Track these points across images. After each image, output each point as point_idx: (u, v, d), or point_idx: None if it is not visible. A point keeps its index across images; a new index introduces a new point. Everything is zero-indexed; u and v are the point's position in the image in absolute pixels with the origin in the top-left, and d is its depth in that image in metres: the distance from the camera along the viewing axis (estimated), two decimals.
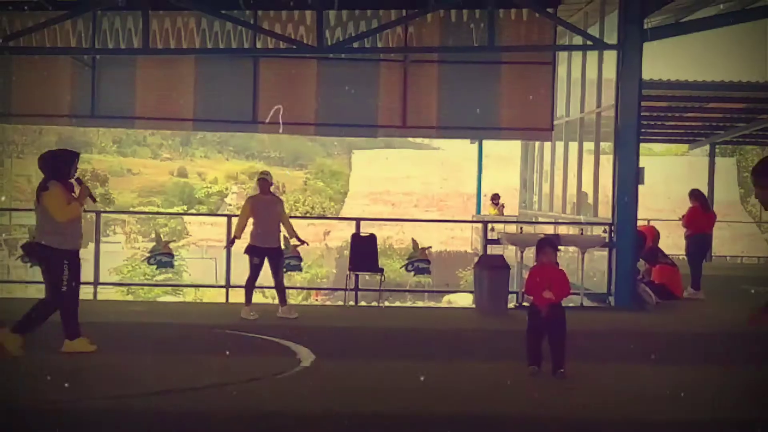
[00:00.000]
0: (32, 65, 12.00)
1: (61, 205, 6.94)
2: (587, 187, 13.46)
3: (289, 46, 11.37)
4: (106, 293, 13.38)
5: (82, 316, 9.37)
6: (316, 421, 5.49)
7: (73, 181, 7.19)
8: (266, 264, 9.48)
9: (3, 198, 37.48)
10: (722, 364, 7.39)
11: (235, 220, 10.10)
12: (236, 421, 5.41)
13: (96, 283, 11.72)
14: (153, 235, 13.15)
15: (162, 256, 11.55)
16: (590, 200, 13.34)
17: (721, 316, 10.32)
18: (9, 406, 5.56)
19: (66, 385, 6.16)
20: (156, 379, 6.36)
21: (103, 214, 12.49)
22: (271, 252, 9.50)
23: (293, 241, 10.19)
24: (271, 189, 9.87)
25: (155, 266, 11.84)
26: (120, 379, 6.36)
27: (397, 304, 17.54)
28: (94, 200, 7.52)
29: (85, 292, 13.17)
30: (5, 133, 38.99)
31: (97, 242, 12.20)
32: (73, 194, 7.10)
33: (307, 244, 10.26)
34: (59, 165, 7.12)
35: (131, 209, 35.67)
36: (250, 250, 9.45)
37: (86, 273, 12.56)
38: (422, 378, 6.58)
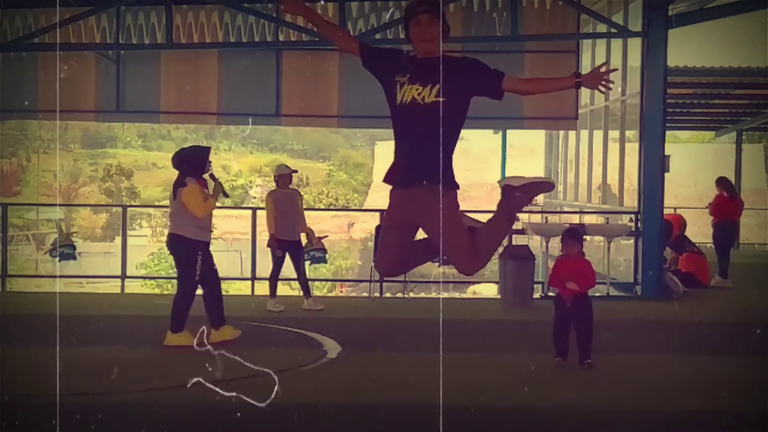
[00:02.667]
0: (57, 62, 12.10)
1: (199, 201, 7.16)
2: (612, 175, 13.37)
3: (312, 39, 11.37)
4: (132, 287, 13.49)
5: (108, 310, 9.48)
6: (342, 412, 5.51)
7: (206, 176, 7.40)
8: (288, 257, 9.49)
9: (30, 193, 37.89)
10: (751, 354, 7.33)
11: (261, 213, 10.13)
12: (262, 412, 5.44)
13: (123, 276, 11.82)
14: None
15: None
16: (615, 190, 13.25)
17: (750, 305, 10.23)
18: (37, 399, 5.63)
19: (95, 378, 6.23)
20: (183, 372, 6.41)
21: (129, 209, 12.55)
22: (292, 245, 9.52)
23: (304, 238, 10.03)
24: (294, 181, 9.89)
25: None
26: (148, 372, 6.42)
27: (422, 295, 17.53)
28: (227, 195, 7.78)
29: (113, 286, 13.35)
30: (31, 129, 39.41)
31: (124, 236, 12.30)
32: (206, 190, 7.31)
33: (320, 243, 10.22)
34: (194, 162, 7.33)
35: (157, 203, 35.92)
36: (272, 243, 9.48)
37: (114, 267, 12.77)
38: (447, 369, 6.58)
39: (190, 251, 7.21)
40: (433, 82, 4.09)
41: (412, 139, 4.23)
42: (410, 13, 4.22)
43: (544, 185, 4.32)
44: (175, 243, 7.35)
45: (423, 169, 4.17)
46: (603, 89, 4.12)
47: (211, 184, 7.45)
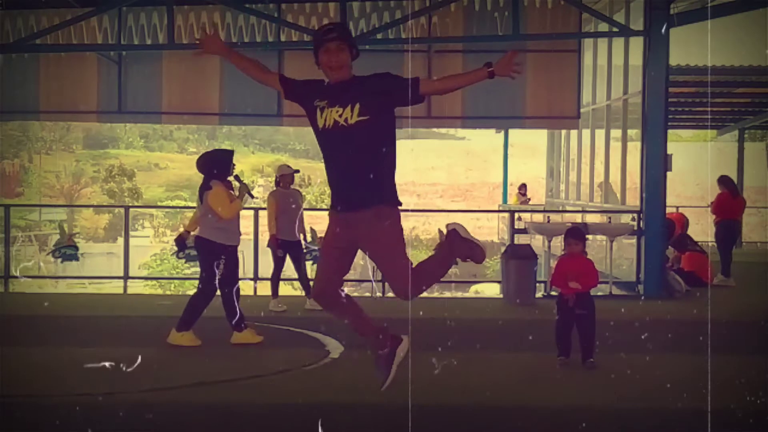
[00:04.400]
0: (59, 62, 12.13)
1: (225, 203, 7.22)
2: (614, 174, 13.37)
3: None
4: (135, 287, 13.50)
5: (111, 310, 9.49)
6: (345, 412, 5.51)
7: (231, 178, 7.49)
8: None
9: (32, 194, 37.92)
10: (754, 352, 7.32)
11: (262, 213, 10.14)
12: (266, 412, 5.45)
13: (126, 277, 11.83)
14: (181, 229, 13.21)
15: (190, 250, 11.57)
16: (616, 189, 13.26)
17: (752, 303, 10.22)
18: (42, 399, 5.63)
19: (98, 378, 6.23)
20: (186, 372, 6.42)
21: (131, 209, 12.58)
22: (293, 245, 9.52)
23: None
24: (296, 181, 9.91)
25: (184, 260, 11.89)
26: (151, 372, 6.42)
27: (424, 294, 17.53)
28: (252, 196, 7.83)
29: (115, 286, 13.35)
30: (33, 130, 39.44)
31: (127, 237, 12.32)
32: (232, 191, 7.36)
33: (320, 241, 10.24)
34: (218, 165, 7.42)
35: (159, 203, 35.95)
36: (273, 243, 9.48)
37: (116, 267, 12.79)
38: (449, 368, 6.58)
39: (214, 254, 7.26)
40: (352, 102, 4.10)
41: (341, 162, 4.19)
42: (318, 41, 4.30)
43: (479, 253, 4.32)
44: (200, 246, 7.42)
45: (356, 193, 4.11)
46: (514, 76, 4.14)
47: (236, 186, 7.51)
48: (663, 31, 10.70)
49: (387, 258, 4.16)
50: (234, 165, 7.53)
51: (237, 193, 7.44)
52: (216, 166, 7.42)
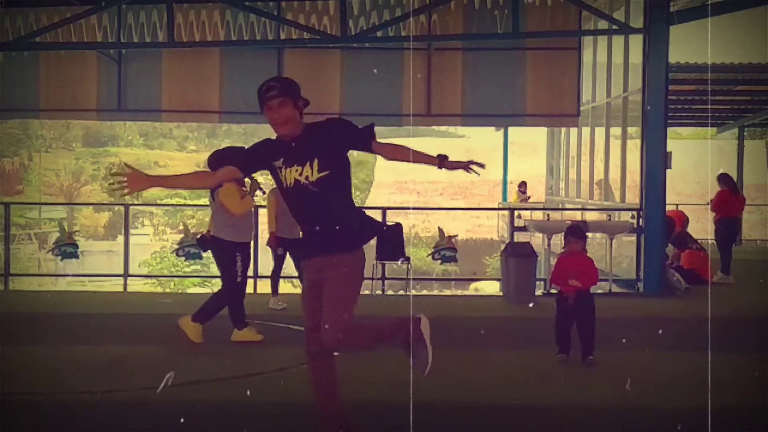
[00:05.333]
0: (59, 61, 12.12)
1: (236, 200, 7.23)
2: (614, 172, 13.38)
3: (313, 37, 11.38)
4: (135, 285, 13.50)
5: (112, 308, 9.50)
6: (346, 409, 5.51)
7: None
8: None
9: (32, 192, 37.91)
10: (753, 350, 7.33)
11: (262, 212, 10.14)
12: (265, 410, 5.45)
13: (126, 275, 11.84)
14: (181, 227, 13.24)
15: (190, 248, 11.61)
16: (615, 188, 13.26)
17: (752, 301, 10.22)
18: (42, 398, 5.64)
19: (98, 376, 6.24)
20: (186, 370, 6.42)
21: (131, 207, 12.59)
22: (293, 243, 9.53)
23: None
24: None
25: (184, 258, 11.89)
26: (151, 370, 6.42)
27: (424, 292, 17.56)
28: (263, 192, 7.91)
29: (115, 284, 13.36)
30: (33, 128, 39.43)
31: (127, 235, 12.32)
32: (244, 188, 7.38)
33: None
34: (229, 162, 7.34)
35: (158, 201, 35.95)
36: (272, 242, 9.49)
37: (116, 265, 12.79)
38: (450, 366, 6.58)
39: (228, 252, 7.29)
40: (310, 159, 4.15)
41: (306, 215, 4.26)
42: (261, 99, 4.27)
43: (422, 361, 4.39)
44: (213, 245, 7.47)
45: (321, 241, 4.19)
46: (469, 171, 4.29)
47: (248, 182, 7.53)
48: (663, 28, 10.71)
49: (332, 303, 4.21)
50: None
51: (248, 190, 7.47)
52: (226, 163, 7.43)
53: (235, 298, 7.42)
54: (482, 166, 4.31)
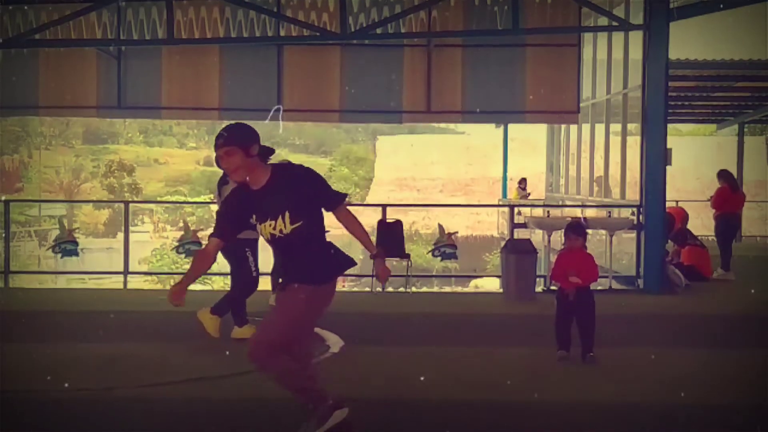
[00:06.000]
0: (58, 58, 12.11)
1: None
2: (614, 168, 13.37)
3: (313, 33, 11.36)
4: (135, 282, 13.51)
5: (112, 305, 9.50)
6: (347, 406, 5.51)
7: None
8: None
9: (32, 190, 37.89)
10: (754, 346, 7.33)
11: None
12: (266, 407, 5.45)
13: (126, 272, 11.84)
14: (181, 224, 13.25)
15: (190, 245, 11.62)
16: (612, 184, 13.25)
17: (752, 297, 10.23)
18: (41, 394, 5.64)
19: (98, 373, 6.24)
20: (187, 367, 6.42)
21: (131, 204, 12.57)
22: None
23: None
24: None
25: (184, 255, 11.89)
26: (151, 367, 6.43)
27: (424, 289, 17.56)
28: None
29: (115, 282, 13.36)
30: (33, 126, 39.41)
31: (127, 232, 12.32)
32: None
33: None
34: None
35: (158, 199, 35.94)
36: None
37: (116, 263, 12.80)
38: (450, 363, 6.59)
39: (239, 250, 7.31)
40: (282, 212, 4.23)
41: (284, 256, 4.43)
42: (215, 148, 4.35)
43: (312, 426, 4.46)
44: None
45: (294, 273, 4.38)
46: (379, 281, 4.46)
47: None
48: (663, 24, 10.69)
49: (271, 321, 4.41)
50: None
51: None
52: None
53: (243, 294, 7.44)
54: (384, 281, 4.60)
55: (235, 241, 7.21)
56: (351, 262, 4.50)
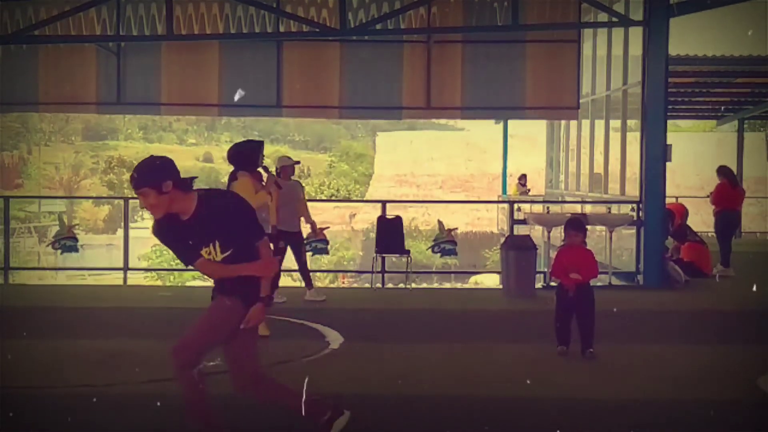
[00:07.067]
0: (58, 54, 12.10)
1: (249, 194, 7.22)
2: (614, 164, 13.37)
3: (312, 30, 11.35)
4: (135, 279, 13.51)
5: (112, 302, 9.50)
6: (346, 403, 5.51)
7: (260, 169, 7.55)
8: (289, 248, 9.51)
9: (31, 186, 37.88)
10: (753, 342, 7.33)
11: None
12: (266, 403, 5.45)
13: (126, 268, 11.84)
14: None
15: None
16: (611, 180, 13.25)
17: (752, 294, 10.22)
18: (41, 391, 5.64)
19: (98, 369, 6.24)
20: None
21: (130, 201, 12.57)
22: (294, 236, 9.52)
23: (307, 227, 10.10)
24: (295, 173, 9.91)
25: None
26: (151, 364, 6.43)
27: (424, 285, 17.58)
28: (280, 187, 7.94)
29: (115, 278, 13.36)
30: (33, 122, 39.40)
31: (126, 228, 12.31)
32: (262, 183, 7.44)
33: (322, 233, 10.36)
34: (246, 156, 7.47)
35: None
36: (274, 235, 9.48)
37: (116, 259, 12.81)
38: (450, 360, 6.59)
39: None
40: (212, 241, 4.30)
41: (220, 279, 4.47)
42: None
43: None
44: None
45: (229, 288, 4.41)
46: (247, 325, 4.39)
47: (265, 177, 7.59)
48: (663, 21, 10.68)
49: (200, 323, 4.48)
50: (263, 156, 7.58)
51: (266, 183, 7.53)
52: (243, 157, 7.49)
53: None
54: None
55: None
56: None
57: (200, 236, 4.29)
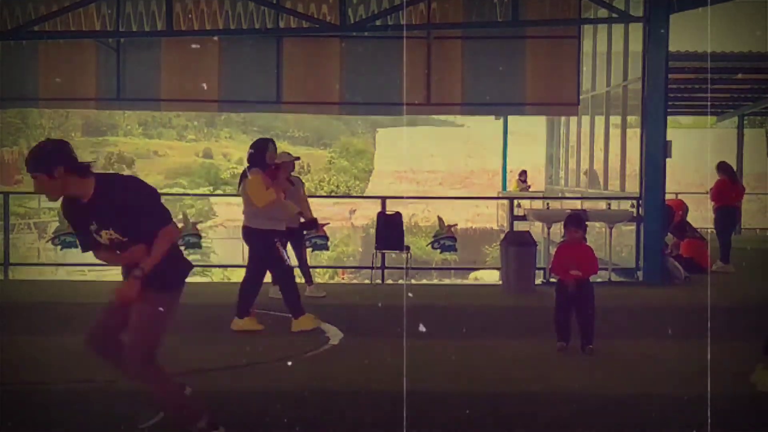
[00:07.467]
0: (57, 50, 12.09)
1: (260, 192, 7.35)
2: (614, 160, 13.37)
3: (312, 25, 11.34)
4: None
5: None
6: (346, 398, 5.53)
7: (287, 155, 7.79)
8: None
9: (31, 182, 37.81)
10: (752, 338, 7.33)
11: None
12: (266, 399, 5.47)
13: None
14: (180, 216, 13.26)
15: (190, 237, 11.64)
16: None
17: (751, 290, 10.24)
18: (41, 387, 5.65)
19: (99, 365, 6.24)
20: (188, 359, 6.43)
21: None
22: (293, 232, 9.52)
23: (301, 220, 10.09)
24: (295, 169, 9.89)
25: (183, 247, 11.92)
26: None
27: (424, 281, 17.58)
28: (293, 184, 8.03)
29: (116, 274, 13.34)
30: (32, 118, 39.37)
31: None
32: (275, 180, 7.50)
33: (321, 229, 10.39)
34: (255, 153, 7.56)
35: (158, 191, 35.85)
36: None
37: None
38: (450, 356, 6.60)
39: (262, 241, 7.39)
40: (111, 224, 4.31)
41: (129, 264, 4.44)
42: None
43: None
44: (248, 235, 7.57)
45: (148, 278, 4.34)
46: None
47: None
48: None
49: (142, 324, 4.41)
50: (274, 153, 7.61)
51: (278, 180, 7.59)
52: (255, 154, 7.56)
53: (252, 286, 7.51)
54: None
55: (262, 232, 7.32)
56: (191, 266, 4.55)
57: (99, 220, 4.31)
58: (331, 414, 5.21)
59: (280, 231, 7.50)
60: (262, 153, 7.53)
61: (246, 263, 7.87)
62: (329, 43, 11.92)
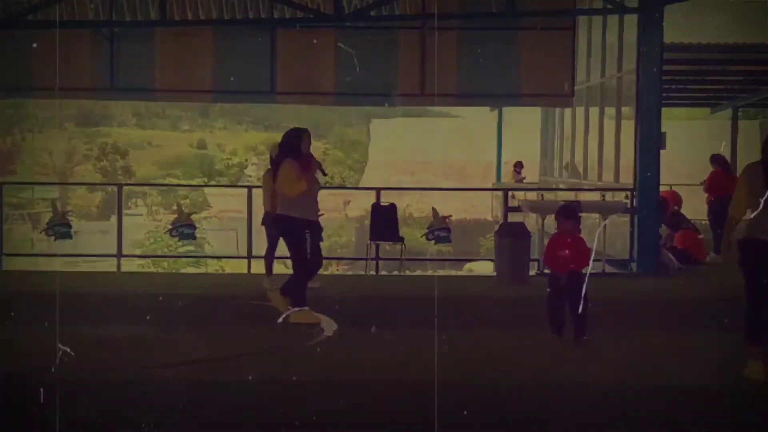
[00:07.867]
0: (51, 39, 12.02)
1: (291, 181, 7.35)
2: (609, 152, 13.37)
3: (307, 15, 11.30)
4: (129, 265, 13.49)
5: (106, 288, 9.49)
6: (340, 389, 5.53)
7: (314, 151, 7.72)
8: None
9: (25, 172, 37.75)
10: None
11: (257, 192, 10.11)
12: (261, 390, 5.47)
13: (119, 255, 11.82)
14: (175, 207, 13.24)
15: (184, 228, 11.61)
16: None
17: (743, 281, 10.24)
18: (34, 377, 5.64)
19: (91, 356, 6.24)
20: (181, 350, 6.43)
21: (124, 187, 12.55)
22: (317, 225, 9.49)
23: None
24: None
25: (177, 238, 11.91)
26: (146, 350, 6.43)
27: (418, 272, 17.58)
28: (324, 173, 8.00)
29: (109, 264, 13.34)
30: (26, 108, 39.21)
31: (120, 215, 12.29)
32: (308, 171, 7.49)
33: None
34: (288, 143, 7.57)
35: (152, 181, 35.83)
36: (267, 221, 9.47)
37: (110, 245, 12.80)
38: (444, 346, 6.59)
39: (293, 229, 7.41)
40: None
41: None
42: None
43: None
44: (280, 222, 7.63)
45: None
46: None
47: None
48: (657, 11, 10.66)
49: None
50: (309, 142, 7.61)
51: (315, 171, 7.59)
52: (286, 144, 7.59)
53: (303, 276, 7.51)
54: None
55: (292, 217, 7.34)
56: None
57: None
58: (324, 405, 5.21)
59: (313, 220, 7.53)
60: (296, 142, 7.53)
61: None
62: (324, 34, 11.88)
